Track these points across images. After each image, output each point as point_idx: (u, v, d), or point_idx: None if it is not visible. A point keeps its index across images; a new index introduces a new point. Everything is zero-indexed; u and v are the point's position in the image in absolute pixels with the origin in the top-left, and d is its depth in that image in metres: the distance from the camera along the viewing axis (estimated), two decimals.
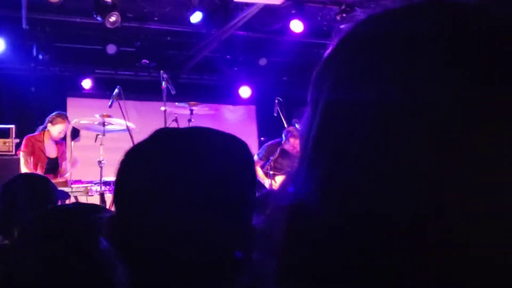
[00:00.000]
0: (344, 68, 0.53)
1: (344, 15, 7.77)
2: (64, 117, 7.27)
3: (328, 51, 0.55)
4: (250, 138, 10.72)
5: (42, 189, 2.90)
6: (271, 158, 7.51)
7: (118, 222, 1.10)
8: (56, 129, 7.14)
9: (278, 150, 7.51)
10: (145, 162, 1.10)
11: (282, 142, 7.51)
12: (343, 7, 7.87)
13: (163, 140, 1.13)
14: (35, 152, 7.05)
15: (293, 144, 7.34)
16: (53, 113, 7.23)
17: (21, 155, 6.95)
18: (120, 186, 1.12)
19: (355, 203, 0.48)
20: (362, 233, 0.47)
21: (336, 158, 0.51)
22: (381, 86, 0.49)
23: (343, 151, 0.50)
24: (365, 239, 0.47)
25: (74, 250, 1.31)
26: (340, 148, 0.50)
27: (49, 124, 7.15)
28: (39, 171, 6.78)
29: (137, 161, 1.12)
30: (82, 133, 8.49)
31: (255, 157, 7.83)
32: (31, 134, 7.19)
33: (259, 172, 7.63)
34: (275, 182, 7.36)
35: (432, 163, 0.45)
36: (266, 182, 7.48)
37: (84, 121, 7.23)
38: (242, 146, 1.17)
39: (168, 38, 9.45)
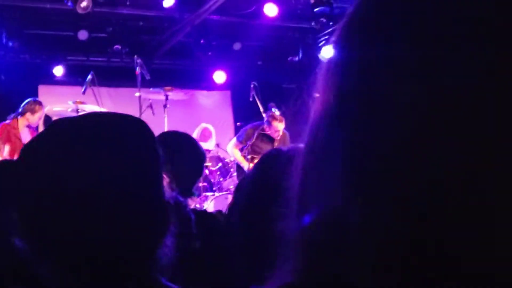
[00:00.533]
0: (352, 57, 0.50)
1: None
2: (41, 104, 7.24)
3: (335, 36, 0.53)
4: (226, 123, 10.68)
5: None
6: (248, 142, 7.49)
7: (26, 222, 1.08)
8: (36, 117, 7.12)
9: (256, 133, 7.48)
10: (44, 159, 1.10)
11: (263, 126, 7.49)
12: None
13: (58, 132, 1.13)
14: (11, 139, 6.92)
15: (275, 128, 7.35)
16: (29, 101, 7.12)
17: None
18: (22, 188, 1.09)
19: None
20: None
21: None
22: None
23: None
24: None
25: None
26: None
27: (28, 114, 7.06)
28: None
29: (35, 159, 1.11)
30: None
31: (235, 140, 7.82)
32: (6, 122, 7.06)
33: (238, 155, 7.62)
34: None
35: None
36: (245, 165, 7.45)
37: (57, 108, 7.13)
38: (138, 124, 1.18)
39: (141, 23, 9.32)
